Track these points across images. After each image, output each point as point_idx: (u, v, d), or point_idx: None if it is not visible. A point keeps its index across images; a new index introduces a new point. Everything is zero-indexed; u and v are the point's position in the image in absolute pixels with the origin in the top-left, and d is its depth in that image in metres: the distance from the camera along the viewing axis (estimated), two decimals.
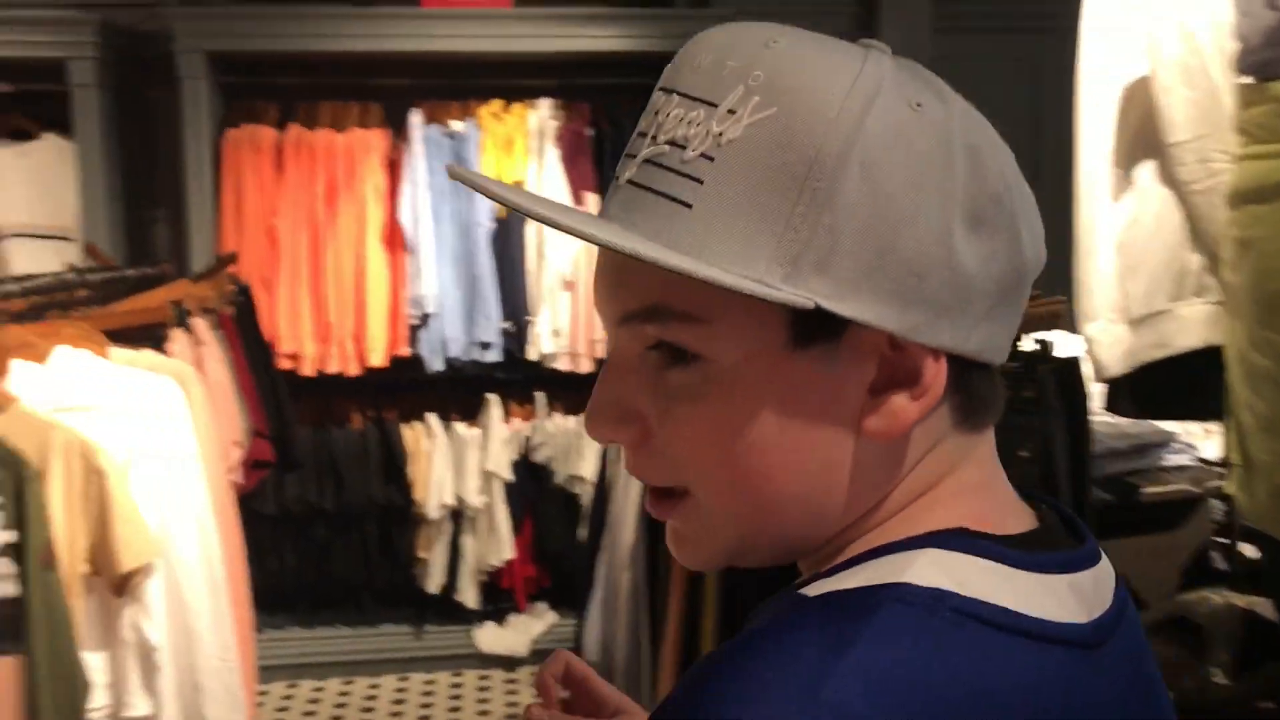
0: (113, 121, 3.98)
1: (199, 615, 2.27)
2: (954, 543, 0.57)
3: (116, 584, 2.09)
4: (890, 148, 0.55)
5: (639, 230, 0.56)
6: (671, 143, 0.57)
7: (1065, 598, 0.58)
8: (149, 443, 2.22)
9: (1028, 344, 2.07)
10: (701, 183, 0.56)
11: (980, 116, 0.60)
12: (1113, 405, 2.17)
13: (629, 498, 2.67)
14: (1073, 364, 2.07)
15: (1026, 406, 1.96)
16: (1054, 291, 2.11)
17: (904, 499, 0.60)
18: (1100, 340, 2.06)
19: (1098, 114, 2.04)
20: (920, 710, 0.50)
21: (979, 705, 0.52)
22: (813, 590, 0.57)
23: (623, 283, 0.59)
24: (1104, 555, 0.63)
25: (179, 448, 2.32)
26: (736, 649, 0.53)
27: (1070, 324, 2.20)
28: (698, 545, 0.63)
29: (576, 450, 4.28)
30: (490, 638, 4.33)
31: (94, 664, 2.11)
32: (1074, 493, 2.02)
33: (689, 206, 0.56)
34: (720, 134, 0.55)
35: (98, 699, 2.11)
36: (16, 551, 1.88)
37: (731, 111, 0.56)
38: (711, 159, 0.55)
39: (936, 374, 0.57)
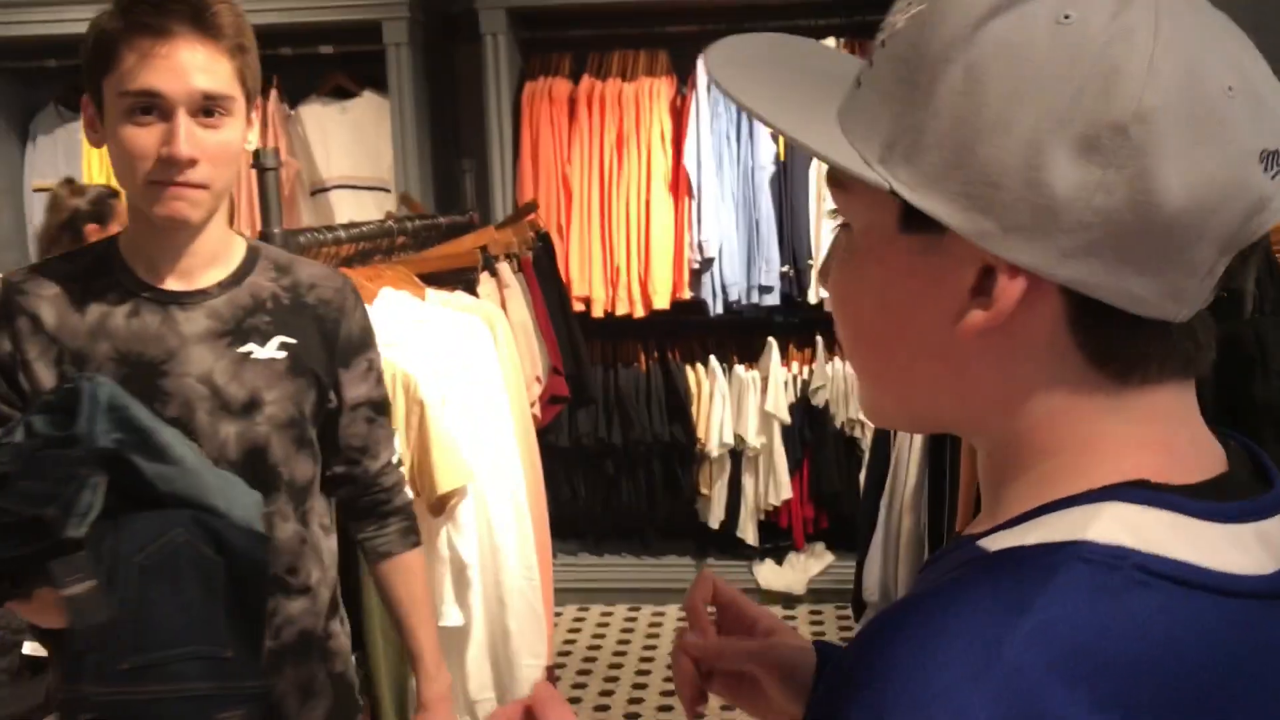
0: (423, 78, 4.26)
1: (505, 536, 2.45)
2: (1135, 495, 0.56)
3: (434, 505, 2.29)
4: (1000, 56, 0.55)
5: (843, 106, 0.63)
6: (883, 31, 0.62)
7: (1250, 546, 0.56)
8: (461, 376, 2.42)
9: None
10: (871, 66, 0.61)
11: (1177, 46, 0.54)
12: None
13: (913, 442, 2.67)
14: None
15: None
16: None
17: (1060, 439, 0.60)
18: None
19: None
20: (1100, 671, 0.51)
21: (1161, 663, 0.52)
22: (993, 544, 0.57)
23: None
24: None
25: (488, 382, 2.51)
26: (918, 604, 0.55)
27: None
28: (862, 400, 0.69)
29: (855, 395, 4.29)
30: (769, 575, 4.43)
31: None
32: None
33: (859, 86, 0.62)
34: (895, 23, 0.60)
35: None
36: None
37: (910, 3, 0.60)
38: (883, 45, 0.61)
39: (1005, 289, 0.57)
